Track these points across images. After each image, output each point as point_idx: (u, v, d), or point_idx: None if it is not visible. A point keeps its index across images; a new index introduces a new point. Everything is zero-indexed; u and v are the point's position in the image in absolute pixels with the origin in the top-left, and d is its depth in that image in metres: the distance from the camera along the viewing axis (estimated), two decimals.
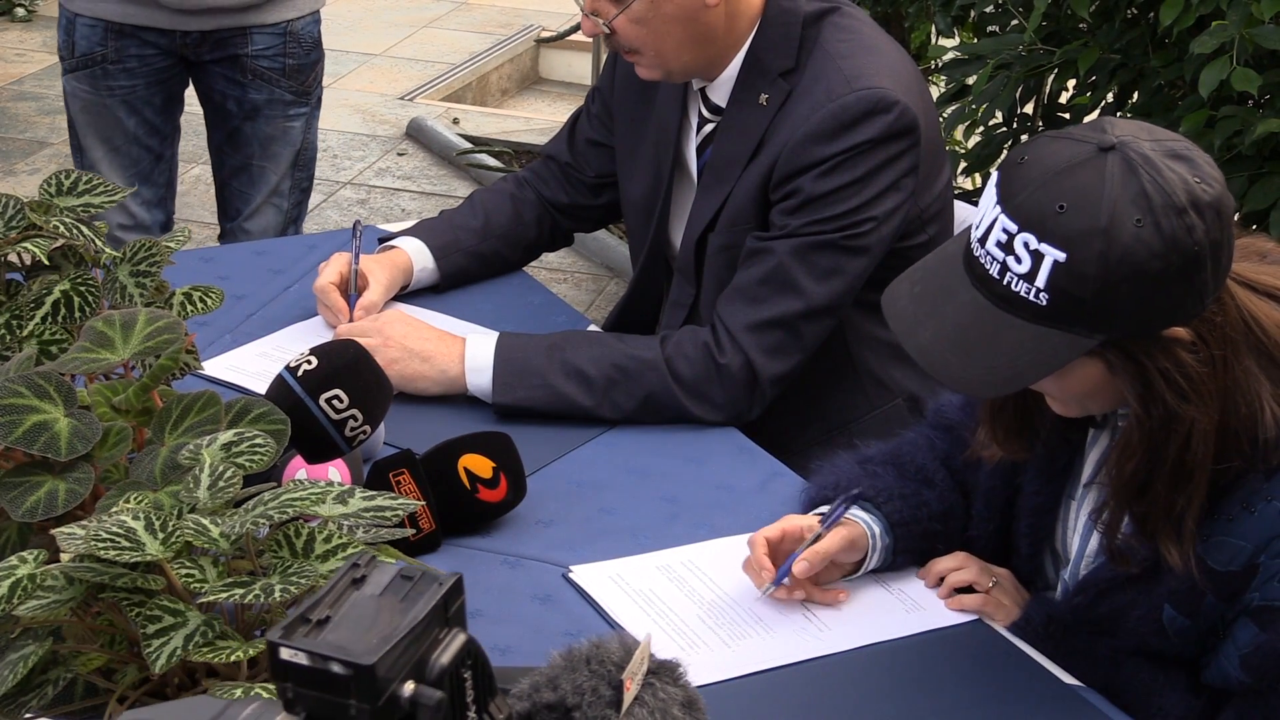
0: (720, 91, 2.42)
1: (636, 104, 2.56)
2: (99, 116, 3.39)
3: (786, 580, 1.86)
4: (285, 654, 1.03)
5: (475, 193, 2.78)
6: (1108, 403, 1.72)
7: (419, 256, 2.60)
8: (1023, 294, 1.60)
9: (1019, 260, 1.59)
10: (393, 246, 2.60)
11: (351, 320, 2.43)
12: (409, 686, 1.05)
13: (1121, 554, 1.76)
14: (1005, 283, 1.61)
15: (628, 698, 1.34)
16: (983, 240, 1.63)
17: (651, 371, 2.28)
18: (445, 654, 1.08)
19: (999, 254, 1.61)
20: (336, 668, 1.02)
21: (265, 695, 1.30)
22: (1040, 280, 1.58)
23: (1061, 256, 1.57)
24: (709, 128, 2.46)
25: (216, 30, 3.33)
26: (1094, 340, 1.60)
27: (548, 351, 2.28)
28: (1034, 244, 1.58)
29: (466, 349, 2.29)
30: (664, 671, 1.38)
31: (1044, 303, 1.59)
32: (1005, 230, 1.60)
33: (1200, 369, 1.61)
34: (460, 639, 1.10)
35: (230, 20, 3.33)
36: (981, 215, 1.64)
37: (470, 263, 2.65)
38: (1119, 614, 1.78)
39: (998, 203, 1.62)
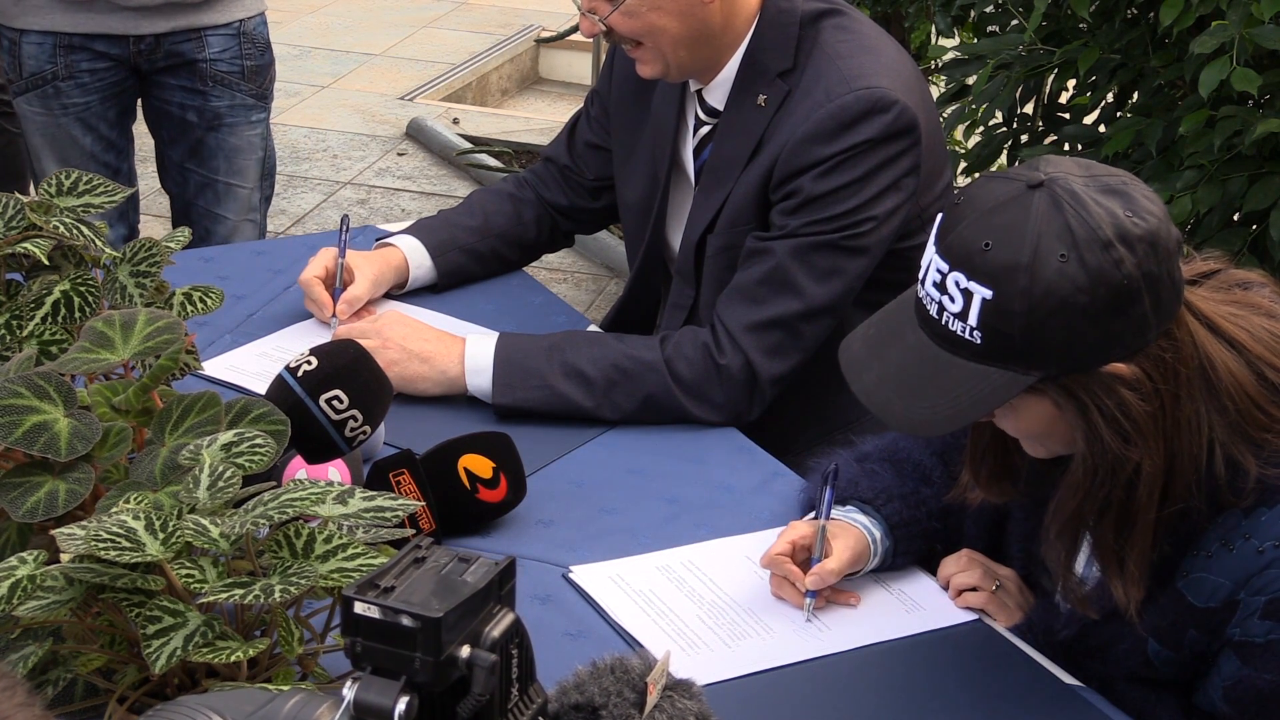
0: (717, 94, 2.42)
1: (633, 107, 2.56)
2: (54, 137, 3.32)
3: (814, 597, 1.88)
4: (359, 608, 1.14)
5: (474, 193, 2.78)
6: (1066, 442, 1.70)
7: (414, 255, 2.60)
8: (959, 333, 1.60)
9: (952, 299, 1.60)
10: (388, 245, 2.60)
11: (335, 314, 2.44)
12: (465, 649, 1.15)
13: (1076, 594, 1.77)
14: (943, 322, 1.61)
15: (650, 701, 1.39)
16: (923, 281, 1.64)
17: (651, 372, 2.28)
18: (497, 627, 1.18)
19: (935, 294, 1.62)
20: (406, 620, 1.13)
21: (307, 687, 1.31)
22: (972, 318, 1.59)
23: (988, 294, 1.57)
24: (705, 130, 2.46)
25: (170, 33, 3.27)
26: (1031, 377, 1.60)
27: (547, 352, 2.28)
28: (963, 282, 1.58)
29: (466, 350, 2.29)
30: (680, 688, 1.46)
31: (978, 340, 1.59)
32: (939, 270, 1.61)
33: (1144, 407, 1.60)
34: (510, 617, 1.19)
35: (183, 20, 3.27)
36: (924, 257, 1.65)
37: (468, 261, 2.65)
38: (1105, 646, 1.79)
39: (933, 243, 1.63)
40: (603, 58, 6.15)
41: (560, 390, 2.26)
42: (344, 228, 2.54)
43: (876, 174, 2.29)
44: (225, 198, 3.45)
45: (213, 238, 3.46)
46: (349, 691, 1.12)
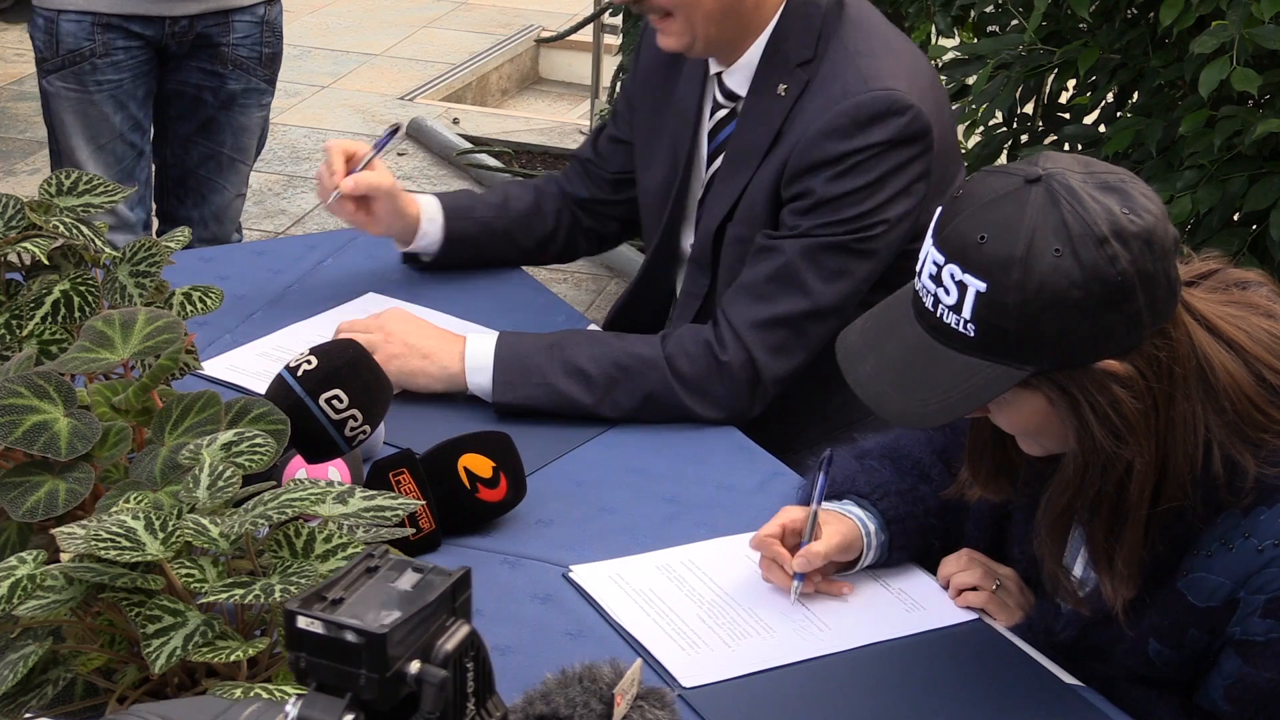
0: (736, 78, 2.43)
1: (656, 94, 2.57)
2: (86, 115, 3.40)
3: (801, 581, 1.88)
4: (302, 623, 1.09)
5: (500, 184, 2.80)
6: (1059, 440, 1.69)
7: (429, 209, 2.62)
8: (953, 325, 1.60)
9: (947, 292, 1.60)
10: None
11: (338, 188, 2.48)
12: (415, 665, 1.10)
13: (1068, 591, 1.77)
14: (938, 315, 1.62)
15: (618, 713, 1.38)
16: (920, 273, 1.65)
17: (652, 370, 2.28)
18: (450, 641, 1.13)
19: (931, 286, 1.62)
20: (350, 636, 1.07)
21: (265, 696, 1.31)
22: (966, 311, 1.59)
23: (982, 286, 1.57)
24: (722, 113, 2.46)
25: (202, 15, 3.37)
26: (1024, 371, 1.60)
27: (548, 350, 2.28)
28: (958, 275, 1.59)
29: (467, 348, 2.29)
30: (652, 697, 1.44)
31: (972, 333, 1.59)
32: (935, 262, 1.61)
33: (1136, 405, 1.60)
34: (465, 629, 1.14)
35: (214, 1, 3.38)
36: (922, 249, 1.66)
37: (479, 234, 2.65)
38: (1106, 647, 1.79)
39: (931, 235, 1.63)
40: (603, 58, 6.17)
41: (561, 389, 2.26)
42: (392, 134, 2.57)
43: (889, 178, 2.29)
44: (227, 169, 3.59)
45: (207, 205, 3.59)
46: (292, 708, 1.08)
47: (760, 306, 2.30)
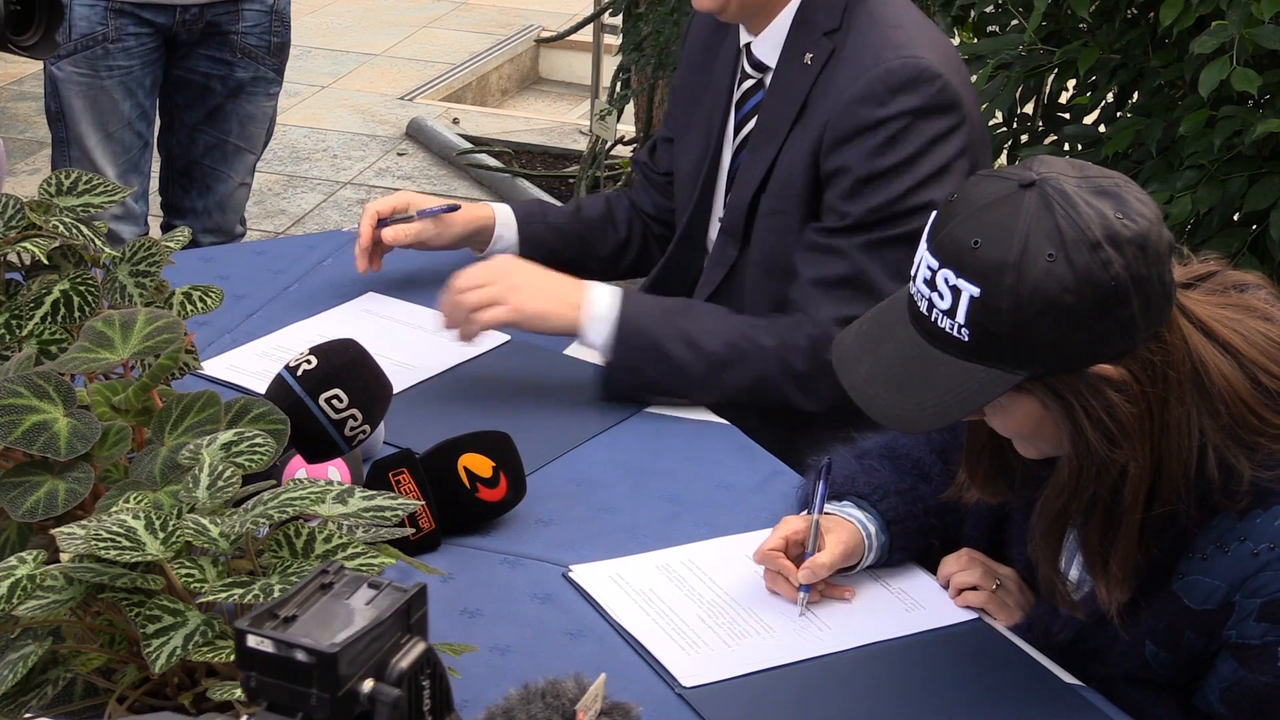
0: (764, 47, 2.44)
1: (698, 81, 2.58)
2: (96, 101, 3.42)
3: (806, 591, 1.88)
4: (252, 642, 1.08)
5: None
6: (1055, 443, 1.69)
7: (503, 214, 2.63)
8: (947, 330, 1.61)
9: (941, 296, 1.60)
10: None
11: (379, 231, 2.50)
12: (368, 684, 1.08)
13: (1063, 595, 1.77)
14: (932, 319, 1.62)
15: None
16: (914, 277, 1.65)
17: (767, 357, 2.29)
18: (405, 659, 1.11)
19: (925, 290, 1.62)
20: (300, 655, 1.06)
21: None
22: (960, 316, 1.59)
23: (976, 291, 1.57)
24: (749, 83, 2.48)
25: (212, 3, 3.40)
26: (1018, 376, 1.60)
27: (664, 315, 2.30)
28: (952, 279, 1.59)
29: (589, 297, 2.29)
30: (617, 712, 1.43)
31: (966, 338, 1.59)
32: (929, 267, 1.61)
33: (1130, 410, 1.60)
34: (420, 647, 1.13)
35: None
36: (917, 253, 1.66)
37: (552, 237, 2.66)
38: (1103, 649, 1.79)
39: (925, 239, 1.64)
40: (603, 58, 6.16)
41: (674, 355, 2.27)
42: (446, 210, 2.56)
43: (927, 153, 2.30)
44: (233, 158, 3.61)
45: (212, 194, 3.61)
46: None
47: (841, 307, 2.30)
